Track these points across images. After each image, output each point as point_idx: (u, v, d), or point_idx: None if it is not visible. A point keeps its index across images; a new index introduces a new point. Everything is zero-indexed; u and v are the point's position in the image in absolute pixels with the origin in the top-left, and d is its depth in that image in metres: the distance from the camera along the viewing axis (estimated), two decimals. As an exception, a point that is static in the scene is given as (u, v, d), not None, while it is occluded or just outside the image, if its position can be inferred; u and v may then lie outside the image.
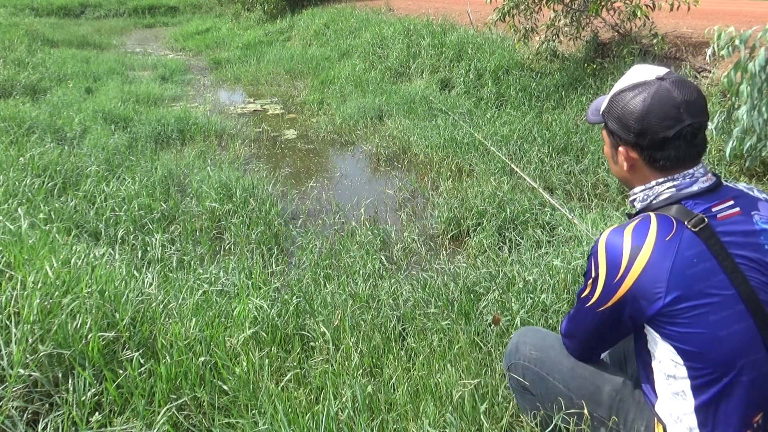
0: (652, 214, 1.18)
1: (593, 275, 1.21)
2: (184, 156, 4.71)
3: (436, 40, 7.70)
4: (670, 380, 1.17)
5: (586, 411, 1.37)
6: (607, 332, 1.26)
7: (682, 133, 1.13)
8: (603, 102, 1.29)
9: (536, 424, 1.52)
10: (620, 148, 1.23)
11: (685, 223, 1.13)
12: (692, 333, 1.10)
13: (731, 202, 1.17)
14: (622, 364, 1.58)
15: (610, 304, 1.18)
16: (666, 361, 1.16)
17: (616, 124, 1.22)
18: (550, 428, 1.46)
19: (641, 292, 1.13)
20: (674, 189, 1.19)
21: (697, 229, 1.11)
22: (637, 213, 1.25)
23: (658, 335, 1.15)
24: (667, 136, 1.14)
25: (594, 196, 3.69)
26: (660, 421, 1.23)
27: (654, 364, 1.20)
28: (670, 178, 1.19)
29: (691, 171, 1.18)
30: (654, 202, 1.22)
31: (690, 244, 1.11)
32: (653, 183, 1.21)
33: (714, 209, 1.15)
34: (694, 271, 1.10)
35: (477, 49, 6.96)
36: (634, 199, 1.27)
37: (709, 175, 1.20)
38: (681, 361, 1.13)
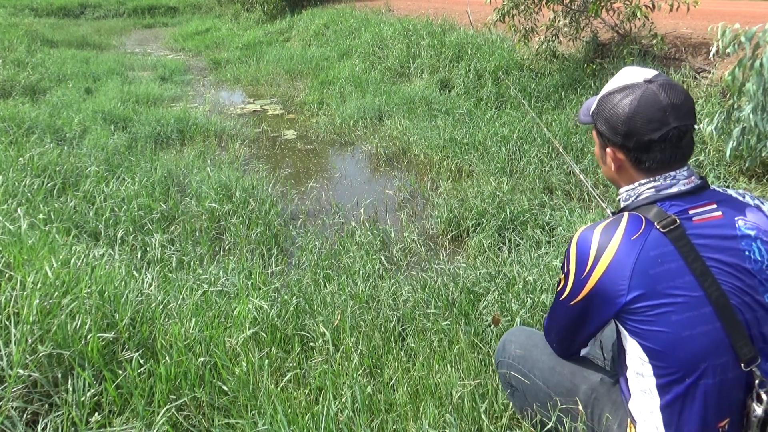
0: (626, 213, 1.20)
1: (566, 270, 1.25)
2: (184, 156, 4.71)
3: (435, 41, 7.70)
4: (638, 377, 1.19)
5: (580, 407, 1.40)
6: (579, 326, 1.29)
7: (667, 136, 1.14)
8: (593, 103, 1.30)
9: (535, 424, 1.53)
10: (608, 149, 1.25)
11: (655, 223, 1.14)
12: (655, 331, 1.12)
13: (713, 206, 1.17)
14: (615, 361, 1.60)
15: (579, 298, 1.22)
16: (635, 359, 1.18)
17: (604, 125, 1.24)
18: (546, 428, 1.46)
19: (605, 288, 1.16)
20: (653, 190, 1.21)
21: (666, 230, 1.12)
22: (620, 212, 1.27)
23: (626, 331, 1.18)
24: (652, 139, 1.15)
25: (594, 196, 3.69)
26: (633, 420, 1.24)
27: (627, 362, 1.22)
28: (651, 179, 1.21)
29: (673, 173, 1.19)
30: (634, 201, 1.24)
31: (655, 244, 1.12)
32: (636, 184, 1.23)
33: (691, 211, 1.16)
34: (658, 270, 1.11)
35: (477, 50, 6.96)
36: (620, 199, 1.30)
37: (693, 178, 1.20)
38: (646, 359, 1.15)
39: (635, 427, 1.24)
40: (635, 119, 1.16)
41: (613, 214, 1.29)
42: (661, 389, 1.15)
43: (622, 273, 1.13)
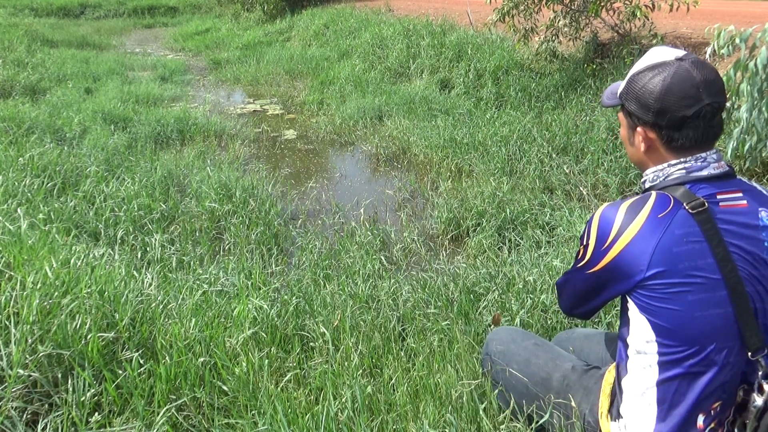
0: (654, 192, 1.19)
1: (584, 242, 1.26)
2: (184, 156, 4.71)
3: (435, 41, 7.71)
4: (640, 355, 1.20)
5: (573, 403, 1.41)
6: (591, 294, 1.30)
7: (701, 113, 1.14)
8: (620, 85, 1.30)
9: (526, 419, 1.54)
10: (638, 129, 1.24)
11: (684, 203, 1.14)
12: (668, 309, 1.12)
13: (739, 194, 1.17)
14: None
15: (596, 268, 1.23)
16: (640, 335, 1.19)
17: (634, 104, 1.22)
18: (541, 421, 1.47)
19: (625, 263, 1.16)
20: (684, 171, 1.20)
21: (694, 212, 1.12)
22: (645, 191, 1.27)
23: (636, 307, 1.18)
24: (686, 115, 1.14)
25: (594, 196, 3.69)
26: (620, 397, 1.26)
27: (629, 338, 1.23)
28: (682, 160, 1.20)
29: (703, 155, 1.19)
30: (663, 181, 1.23)
31: (682, 224, 1.12)
32: (666, 164, 1.22)
33: (719, 196, 1.16)
34: (682, 249, 1.11)
35: (477, 50, 6.96)
36: (645, 180, 1.29)
37: (722, 163, 1.20)
38: (653, 337, 1.16)
39: (619, 406, 1.25)
40: (669, 96, 1.15)
41: (637, 195, 1.29)
42: (663, 366, 1.16)
43: (645, 248, 1.13)
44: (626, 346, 1.24)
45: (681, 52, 1.19)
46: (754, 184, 1.23)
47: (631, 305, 1.20)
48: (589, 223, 1.25)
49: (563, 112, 5.10)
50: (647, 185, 1.27)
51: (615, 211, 1.19)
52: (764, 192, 1.22)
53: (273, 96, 7.82)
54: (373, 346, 2.08)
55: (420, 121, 5.52)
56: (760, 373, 1.13)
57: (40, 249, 2.34)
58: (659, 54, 1.21)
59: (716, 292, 1.11)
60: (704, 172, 1.18)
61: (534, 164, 4.15)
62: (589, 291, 1.29)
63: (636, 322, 1.19)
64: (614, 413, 1.28)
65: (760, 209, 1.16)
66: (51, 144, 4.36)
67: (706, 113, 1.14)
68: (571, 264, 1.37)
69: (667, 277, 1.11)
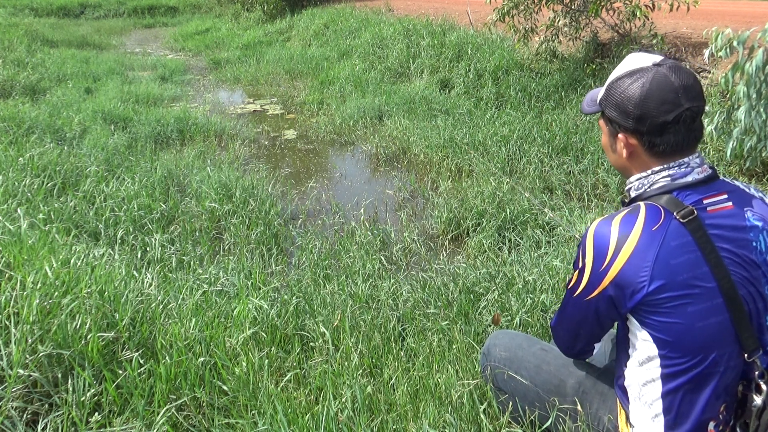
0: (642, 203, 1.18)
1: (580, 265, 1.22)
2: (184, 156, 4.71)
3: (435, 41, 7.71)
4: (642, 367, 1.19)
5: (579, 407, 1.40)
6: (594, 321, 1.26)
7: (681, 118, 1.14)
8: (599, 92, 1.29)
9: (529, 424, 1.53)
10: (619, 135, 1.23)
11: (674, 213, 1.13)
12: (670, 323, 1.12)
13: (725, 196, 1.17)
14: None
15: (596, 292, 1.19)
16: (642, 349, 1.18)
17: (614, 111, 1.22)
18: (545, 426, 1.47)
19: (626, 280, 1.14)
20: (669, 178, 1.19)
21: (685, 221, 1.12)
22: (631, 201, 1.26)
23: (638, 323, 1.17)
24: (666, 120, 1.14)
25: (594, 196, 3.69)
26: (626, 407, 1.25)
27: (630, 351, 1.22)
28: (666, 166, 1.19)
29: (686, 160, 1.18)
30: (648, 190, 1.22)
31: (676, 235, 1.12)
32: (650, 171, 1.21)
33: (705, 201, 1.16)
34: (679, 261, 1.11)
35: (477, 50, 6.96)
36: (630, 188, 1.28)
37: (705, 166, 1.20)
38: (656, 351, 1.15)
39: (628, 417, 1.24)
40: (648, 102, 1.14)
41: (623, 203, 1.28)
42: (666, 378, 1.15)
43: (644, 264, 1.11)
44: (627, 357, 1.23)
45: (658, 58, 1.19)
46: (738, 184, 1.23)
47: (632, 321, 1.18)
48: (582, 244, 1.21)
49: (563, 112, 5.11)
50: (633, 193, 1.26)
51: (608, 227, 1.17)
52: (747, 191, 1.22)
53: (273, 96, 7.81)
54: (373, 346, 2.08)
55: (420, 121, 5.52)
56: (756, 372, 1.14)
57: (40, 249, 2.34)
58: (637, 60, 1.21)
59: (713, 300, 1.10)
60: (689, 178, 1.18)
61: (534, 164, 4.15)
62: (592, 319, 1.24)
63: (637, 336, 1.18)
64: (630, 421, 1.27)
65: (745, 209, 1.16)
66: (51, 144, 4.36)
67: (686, 118, 1.14)
68: (563, 298, 1.32)
69: (668, 290, 1.10)
